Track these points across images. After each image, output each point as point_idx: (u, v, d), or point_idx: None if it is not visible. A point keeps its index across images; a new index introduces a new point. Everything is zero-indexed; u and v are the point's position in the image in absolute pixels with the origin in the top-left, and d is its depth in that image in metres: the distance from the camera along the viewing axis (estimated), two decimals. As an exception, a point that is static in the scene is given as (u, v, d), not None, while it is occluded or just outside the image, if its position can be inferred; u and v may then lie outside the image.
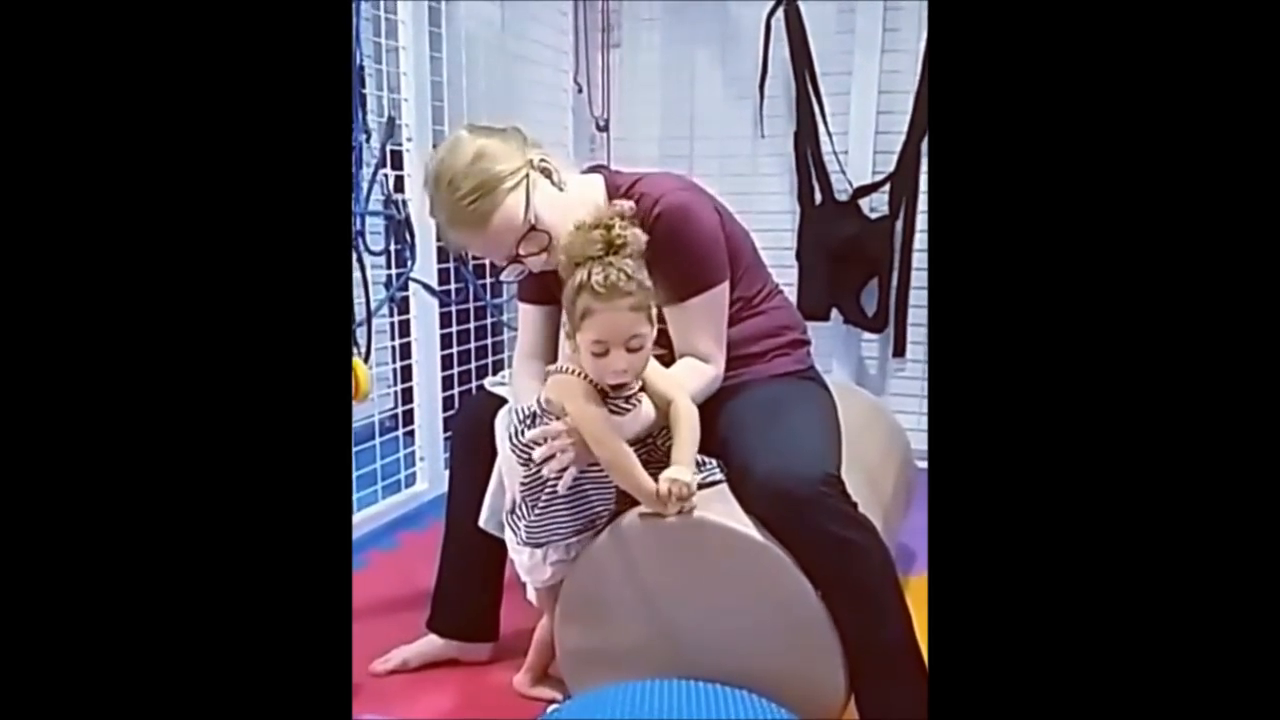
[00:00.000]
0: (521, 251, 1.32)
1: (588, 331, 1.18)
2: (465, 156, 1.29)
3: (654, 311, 1.21)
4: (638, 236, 1.20)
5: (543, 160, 1.33)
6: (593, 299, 1.16)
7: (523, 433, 1.27)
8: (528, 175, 1.30)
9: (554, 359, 1.34)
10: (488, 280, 2.64)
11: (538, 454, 1.22)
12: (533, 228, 1.30)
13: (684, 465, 1.22)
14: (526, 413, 1.29)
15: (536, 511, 1.28)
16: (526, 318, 1.49)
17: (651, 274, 1.24)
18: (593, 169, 1.46)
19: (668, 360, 1.36)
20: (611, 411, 1.23)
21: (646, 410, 1.27)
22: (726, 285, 1.37)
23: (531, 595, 1.41)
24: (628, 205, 1.23)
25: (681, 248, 1.32)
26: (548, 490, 1.26)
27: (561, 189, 1.34)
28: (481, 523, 1.44)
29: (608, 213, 1.20)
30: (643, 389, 1.28)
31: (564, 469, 1.22)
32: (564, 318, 1.25)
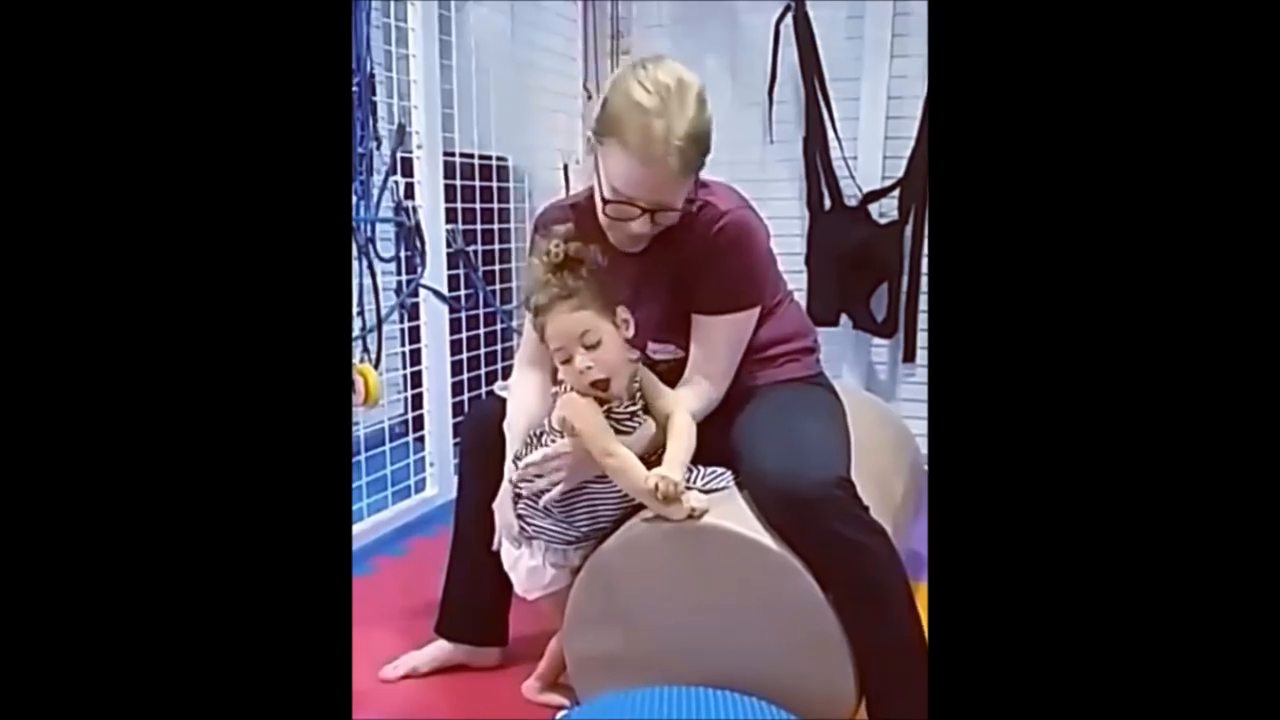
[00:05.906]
0: (668, 202, 1.29)
1: (549, 345, 1.27)
2: (699, 107, 1.25)
3: (607, 307, 1.26)
4: (579, 250, 1.25)
5: None
6: (542, 316, 1.27)
7: (533, 448, 1.33)
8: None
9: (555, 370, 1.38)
10: (497, 286, 2.65)
11: (531, 476, 1.31)
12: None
13: (675, 466, 1.24)
14: (534, 433, 1.35)
15: (544, 508, 1.31)
16: (530, 330, 1.50)
17: (698, 279, 1.31)
18: None
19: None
20: (618, 433, 1.27)
21: (648, 429, 1.30)
22: (758, 311, 1.39)
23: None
24: (564, 228, 1.28)
25: (736, 264, 1.35)
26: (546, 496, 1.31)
27: None
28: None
29: (542, 245, 1.27)
30: (645, 410, 1.31)
31: (556, 486, 1.29)
32: None
